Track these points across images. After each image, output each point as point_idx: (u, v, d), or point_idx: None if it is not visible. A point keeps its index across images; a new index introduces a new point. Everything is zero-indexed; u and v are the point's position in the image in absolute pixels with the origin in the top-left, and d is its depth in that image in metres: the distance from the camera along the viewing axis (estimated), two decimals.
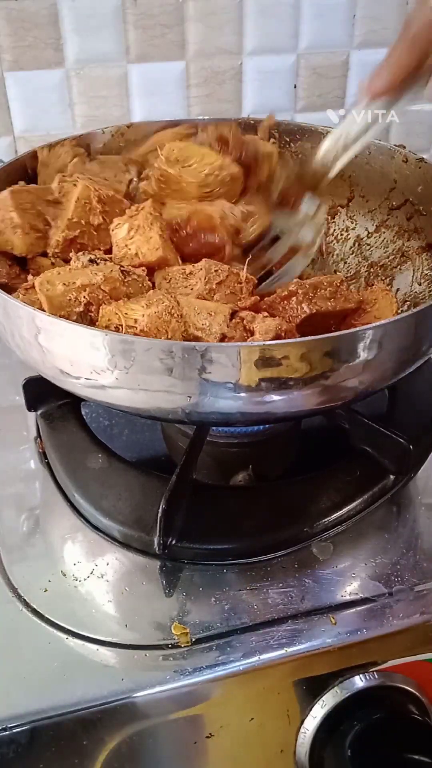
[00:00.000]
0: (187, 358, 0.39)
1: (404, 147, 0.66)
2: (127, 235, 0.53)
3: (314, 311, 0.49)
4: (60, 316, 0.45)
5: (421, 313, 0.43)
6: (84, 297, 0.46)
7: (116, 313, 0.45)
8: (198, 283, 0.51)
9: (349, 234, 0.71)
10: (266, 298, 0.51)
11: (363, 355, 0.42)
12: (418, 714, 0.45)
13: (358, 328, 0.41)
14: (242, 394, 0.41)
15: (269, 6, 0.84)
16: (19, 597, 0.47)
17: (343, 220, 0.71)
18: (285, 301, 0.50)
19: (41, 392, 0.62)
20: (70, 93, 0.84)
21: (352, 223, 0.71)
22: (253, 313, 0.49)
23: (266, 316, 0.49)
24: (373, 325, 0.41)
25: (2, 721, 0.40)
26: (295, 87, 0.90)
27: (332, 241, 0.71)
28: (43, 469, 0.59)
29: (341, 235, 0.71)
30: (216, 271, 0.51)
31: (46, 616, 0.46)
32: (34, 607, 0.46)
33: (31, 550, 0.51)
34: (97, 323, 0.46)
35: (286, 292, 0.50)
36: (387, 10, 0.88)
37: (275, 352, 0.39)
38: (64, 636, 0.44)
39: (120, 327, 0.45)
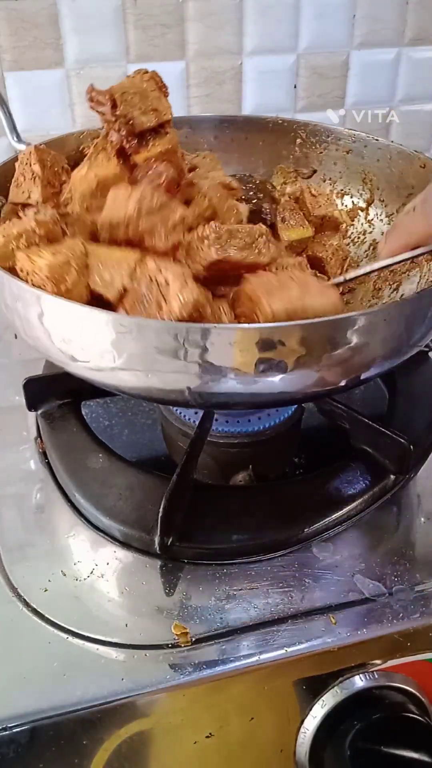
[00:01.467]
0: (189, 339, 0.40)
1: (421, 153, 0.66)
2: (87, 171, 0.54)
3: (221, 258, 0.47)
4: (7, 269, 0.45)
5: (415, 300, 0.44)
6: (22, 244, 0.47)
7: (27, 258, 0.45)
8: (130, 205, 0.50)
9: (366, 237, 0.71)
10: (186, 238, 0.49)
11: (361, 338, 0.42)
12: (418, 714, 0.45)
13: (362, 311, 0.42)
14: (240, 376, 0.41)
15: (269, 6, 0.84)
16: (19, 597, 0.47)
17: (362, 224, 0.71)
18: (199, 242, 0.48)
19: (41, 392, 0.62)
20: (70, 93, 0.84)
21: (370, 226, 0.71)
22: (157, 264, 0.47)
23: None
24: (374, 310, 0.42)
25: (2, 721, 0.40)
26: (295, 87, 0.90)
27: (349, 243, 0.71)
28: (44, 469, 0.59)
29: (358, 238, 0.71)
30: (152, 197, 0.49)
31: (46, 616, 0.46)
32: (34, 607, 0.46)
33: (31, 550, 0.51)
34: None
35: (201, 233, 0.48)
36: (387, 10, 0.88)
37: (274, 335, 0.40)
38: (64, 636, 0.44)
39: (29, 273, 0.45)
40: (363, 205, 0.71)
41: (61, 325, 0.43)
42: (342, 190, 0.73)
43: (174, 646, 0.44)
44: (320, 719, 0.45)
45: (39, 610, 0.46)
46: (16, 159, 0.62)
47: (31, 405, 0.63)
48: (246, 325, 0.42)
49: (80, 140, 0.68)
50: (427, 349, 0.69)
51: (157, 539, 0.48)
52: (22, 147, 0.66)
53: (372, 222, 0.71)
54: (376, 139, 0.70)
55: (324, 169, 0.74)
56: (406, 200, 0.67)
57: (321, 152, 0.73)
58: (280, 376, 0.42)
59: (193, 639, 0.44)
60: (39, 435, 0.62)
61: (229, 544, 0.50)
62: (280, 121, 0.74)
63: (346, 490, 0.54)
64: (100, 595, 0.47)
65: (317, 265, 0.65)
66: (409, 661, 0.46)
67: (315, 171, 0.74)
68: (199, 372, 0.41)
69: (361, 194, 0.72)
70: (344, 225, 0.70)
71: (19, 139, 0.67)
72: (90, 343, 0.42)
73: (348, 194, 0.73)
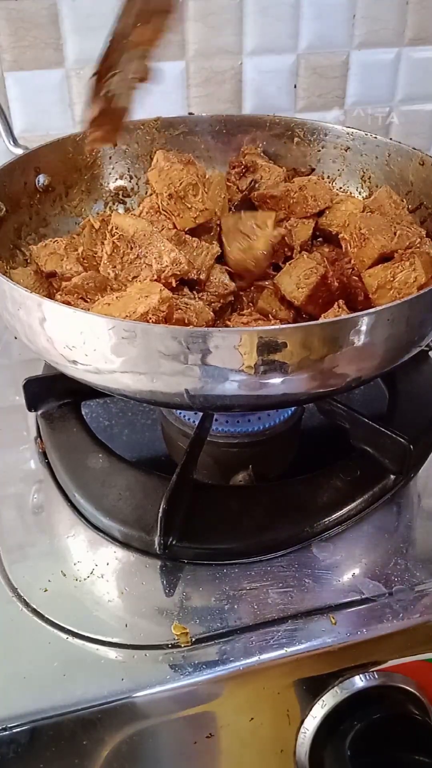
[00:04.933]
0: (192, 342, 0.40)
1: (420, 150, 0.66)
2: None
3: None
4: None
5: (416, 300, 0.44)
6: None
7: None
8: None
9: None
10: None
11: (363, 339, 0.43)
12: (418, 714, 0.45)
13: (355, 314, 0.42)
14: (243, 379, 0.41)
15: (269, 6, 0.84)
16: (19, 597, 0.47)
17: None
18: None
19: (41, 392, 0.62)
20: (70, 93, 0.84)
21: None
22: None
23: None
24: (368, 311, 0.42)
25: (2, 721, 0.40)
26: (295, 87, 0.90)
27: None
28: (43, 469, 0.59)
29: None
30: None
31: (46, 616, 0.46)
32: (34, 607, 0.46)
33: (31, 550, 0.51)
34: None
35: None
36: (387, 10, 0.88)
37: (275, 337, 0.40)
38: (64, 636, 0.44)
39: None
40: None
41: (63, 331, 0.43)
42: (341, 187, 0.73)
43: (174, 646, 0.44)
44: (320, 719, 0.45)
45: (39, 610, 0.46)
46: (14, 164, 0.63)
47: (31, 405, 0.63)
48: (248, 328, 0.42)
49: (78, 143, 0.69)
50: (427, 349, 0.69)
51: (157, 539, 0.48)
52: (19, 151, 0.66)
53: None
54: (375, 137, 0.70)
55: (322, 167, 0.74)
56: (405, 197, 0.67)
57: (319, 150, 0.74)
58: (283, 378, 0.42)
59: (193, 639, 0.44)
60: (39, 435, 0.62)
61: (229, 544, 0.50)
62: (277, 120, 0.74)
63: (346, 490, 0.54)
64: (100, 595, 0.47)
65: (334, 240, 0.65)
66: (409, 661, 0.46)
67: (313, 169, 0.74)
68: (202, 375, 0.41)
69: (359, 192, 0.72)
70: None
71: (16, 143, 0.67)
72: (92, 349, 0.42)
73: (346, 192, 0.73)
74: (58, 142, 0.68)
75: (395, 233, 0.55)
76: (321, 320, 0.42)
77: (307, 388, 0.44)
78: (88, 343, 0.42)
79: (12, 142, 0.68)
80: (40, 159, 0.65)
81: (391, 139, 0.70)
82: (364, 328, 0.42)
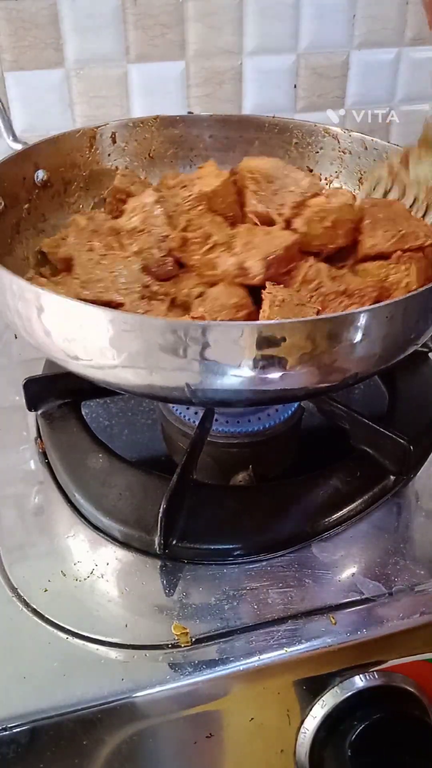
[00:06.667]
0: (190, 336, 0.40)
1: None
2: None
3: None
4: None
5: (413, 299, 0.44)
6: None
7: None
8: None
9: None
10: None
11: (363, 335, 0.43)
12: (418, 714, 0.45)
13: (353, 310, 0.42)
14: (241, 373, 0.41)
15: (269, 6, 0.84)
16: (19, 597, 0.47)
17: None
18: None
19: (41, 392, 0.62)
20: (70, 93, 0.84)
21: None
22: None
23: None
24: (366, 308, 0.42)
25: (2, 721, 0.40)
26: (295, 87, 0.90)
27: None
28: (43, 469, 0.59)
29: None
30: None
31: (46, 616, 0.46)
32: (34, 607, 0.46)
33: (31, 550, 0.51)
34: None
35: None
36: (387, 10, 0.88)
37: (275, 332, 0.40)
38: (64, 636, 0.44)
39: None
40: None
41: (62, 324, 0.43)
42: (338, 189, 0.73)
43: (174, 646, 0.44)
44: (320, 719, 0.45)
45: (39, 610, 0.46)
46: (13, 159, 0.63)
47: (31, 405, 0.63)
48: (247, 323, 0.42)
49: (77, 140, 0.69)
50: (426, 350, 0.69)
51: (157, 539, 0.48)
52: (18, 147, 0.66)
53: None
54: (373, 139, 0.70)
55: (320, 168, 0.74)
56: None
57: (317, 152, 0.74)
58: (281, 373, 0.42)
59: (193, 639, 0.44)
60: (39, 435, 0.62)
61: (229, 545, 0.50)
62: (276, 121, 0.74)
63: (346, 490, 0.54)
64: (100, 595, 0.47)
65: None
66: (409, 661, 0.46)
67: (311, 171, 0.74)
68: (201, 369, 0.41)
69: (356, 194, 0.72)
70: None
71: (16, 139, 0.68)
72: (91, 342, 0.42)
73: None
74: (57, 138, 0.68)
75: (399, 231, 0.56)
76: (321, 316, 0.42)
77: (306, 383, 0.44)
78: (87, 336, 0.42)
79: (12, 138, 0.67)
80: (39, 154, 0.65)
81: (389, 142, 0.70)
82: (363, 324, 0.42)
